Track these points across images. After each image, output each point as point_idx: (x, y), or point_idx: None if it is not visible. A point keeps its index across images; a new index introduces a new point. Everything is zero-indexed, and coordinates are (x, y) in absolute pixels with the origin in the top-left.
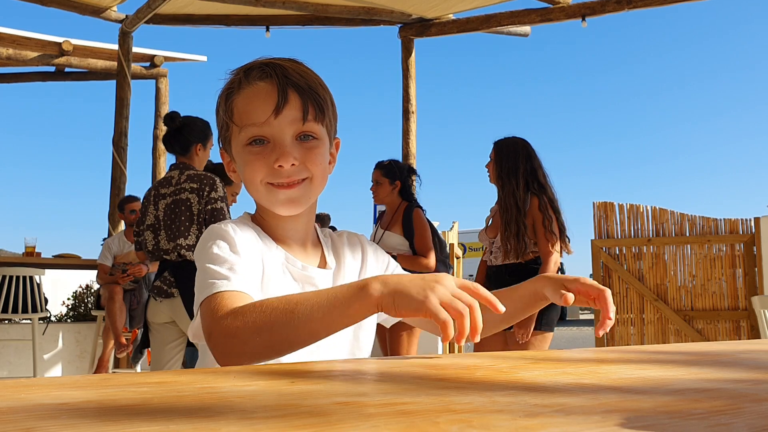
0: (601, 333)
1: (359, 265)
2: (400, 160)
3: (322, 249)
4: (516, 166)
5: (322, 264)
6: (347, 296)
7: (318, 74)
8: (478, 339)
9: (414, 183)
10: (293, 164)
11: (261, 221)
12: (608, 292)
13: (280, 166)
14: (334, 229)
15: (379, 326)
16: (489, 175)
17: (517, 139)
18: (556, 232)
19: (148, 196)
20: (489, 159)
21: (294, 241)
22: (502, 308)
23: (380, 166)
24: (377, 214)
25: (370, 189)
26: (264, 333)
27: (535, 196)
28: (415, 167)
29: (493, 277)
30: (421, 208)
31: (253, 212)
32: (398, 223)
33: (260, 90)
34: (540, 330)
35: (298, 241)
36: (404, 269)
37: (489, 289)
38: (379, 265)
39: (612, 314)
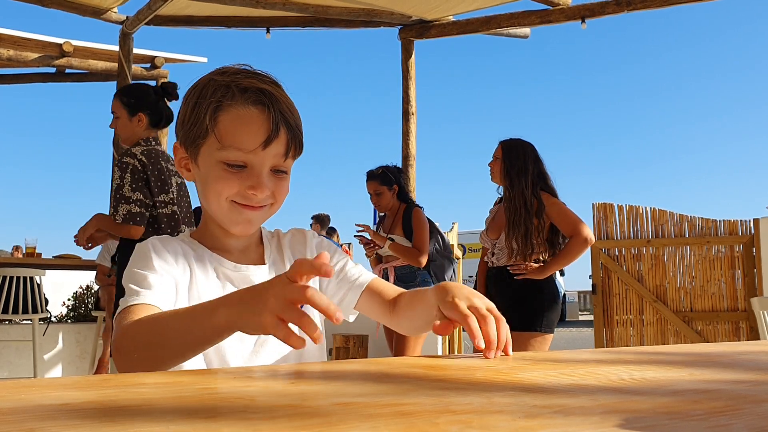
0: (490, 356)
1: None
2: (400, 161)
3: (263, 250)
4: (525, 167)
5: (260, 261)
6: (204, 319)
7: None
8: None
9: (402, 183)
10: (265, 195)
11: (204, 232)
12: (471, 318)
13: (253, 193)
14: (334, 230)
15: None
16: (492, 174)
17: (525, 141)
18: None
19: (161, 169)
20: (493, 158)
21: (235, 249)
22: (339, 318)
23: (374, 177)
24: (377, 219)
25: (371, 201)
26: (139, 350)
27: (549, 194)
28: (399, 167)
29: (494, 278)
30: (419, 207)
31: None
32: (399, 226)
33: (254, 117)
34: (540, 332)
35: (240, 247)
36: (396, 256)
37: (489, 290)
38: (331, 261)
39: (480, 343)
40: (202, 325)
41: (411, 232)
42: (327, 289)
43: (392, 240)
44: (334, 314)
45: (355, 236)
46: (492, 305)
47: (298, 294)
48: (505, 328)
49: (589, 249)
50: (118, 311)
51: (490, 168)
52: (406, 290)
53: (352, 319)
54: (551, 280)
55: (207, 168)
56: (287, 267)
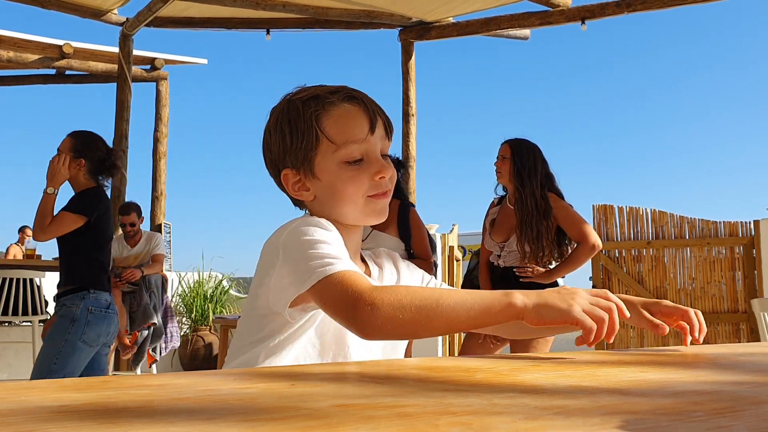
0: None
1: (396, 277)
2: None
3: (364, 259)
4: (535, 168)
5: (368, 272)
6: (492, 300)
7: None
8: (611, 340)
9: (402, 178)
10: (391, 175)
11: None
12: (692, 311)
13: (381, 177)
14: None
15: None
16: (499, 174)
17: (532, 143)
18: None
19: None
20: (499, 157)
21: (352, 253)
22: (627, 314)
23: None
24: None
25: None
26: (407, 311)
27: (557, 196)
28: (402, 161)
29: (499, 278)
30: (413, 206)
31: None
32: (393, 224)
33: (352, 111)
34: None
35: (355, 252)
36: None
37: (493, 287)
38: (414, 279)
39: (698, 334)
40: (490, 302)
41: (406, 232)
42: None
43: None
44: (624, 311)
45: None
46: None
47: (598, 293)
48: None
49: None
50: (323, 274)
51: (496, 168)
52: None
53: None
54: (555, 283)
55: (330, 175)
56: (385, 281)
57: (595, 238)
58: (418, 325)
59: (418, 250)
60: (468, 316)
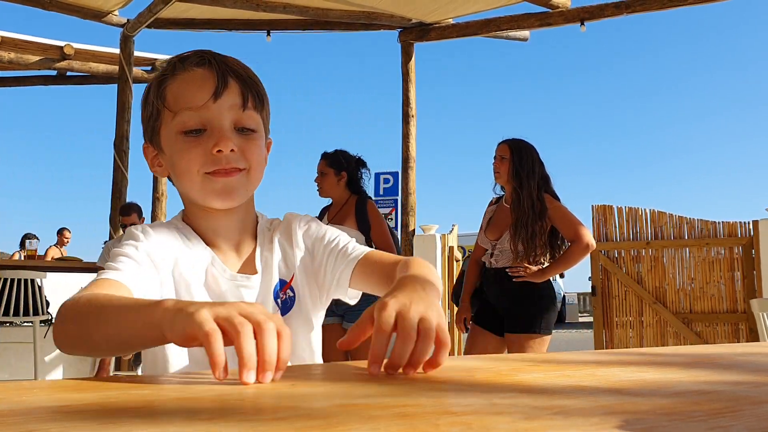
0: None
1: (291, 253)
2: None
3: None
4: (533, 169)
5: (251, 269)
6: (142, 306)
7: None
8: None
9: (363, 177)
10: (232, 150)
11: (191, 220)
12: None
13: (219, 150)
14: None
15: None
16: (497, 174)
17: (530, 143)
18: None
19: None
20: (498, 157)
21: (226, 241)
22: (277, 375)
23: (325, 156)
24: (321, 210)
25: (315, 180)
26: (77, 323)
27: (552, 197)
28: (364, 160)
29: (492, 279)
30: (371, 198)
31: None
32: (351, 217)
33: (198, 75)
34: (539, 333)
35: (231, 240)
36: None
37: (487, 291)
38: (310, 240)
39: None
40: (131, 319)
41: (364, 224)
42: (321, 263)
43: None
44: (266, 372)
45: None
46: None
47: (258, 326)
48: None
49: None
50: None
51: (495, 168)
52: (407, 258)
53: (352, 301)
54: (549, 282)
55: (170, 148)
56: (275, 271)
57: (589, 238)
58: (80, 340)
59: (378, 241)
60: (120, 328)
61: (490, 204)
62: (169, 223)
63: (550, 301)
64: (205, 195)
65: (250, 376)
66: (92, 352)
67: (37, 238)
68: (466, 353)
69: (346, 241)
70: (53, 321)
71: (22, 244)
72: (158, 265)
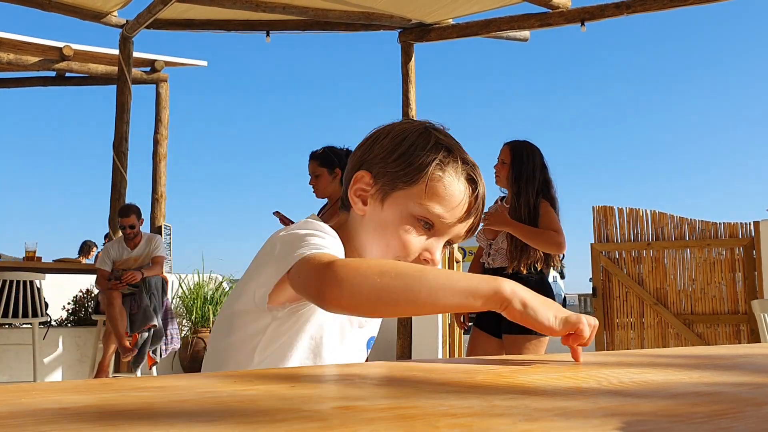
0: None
1: None
2: None
3: None
4: (533, 175)
5: None
6: (479, 282)
7: None
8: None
9: None
10: (433, 262)
11: (350, 246)
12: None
13: (426, 260)
14: None
15: None
16: (497, 177)
17: (534, 146)
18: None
19: None
20: (499, 161)
21: None
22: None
23: (315, 157)
24: (318, 210)
25: (309, 183)
26: (387, 276)
27: (548, 203)
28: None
29: None
30: None
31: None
32: (336, 216)
33: (463, 192)
34: (536, 334)
35: None
36: None
37: None
38: None
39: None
40: (470, 283)
41: None
42: None
43: None
44: (579, 356)
45: (274, 214)
46: None
47: (585, 327)
48: None
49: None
50: (301, 253)
51: (495, 171)
52: None
53: None
54: (546, 283)
55: (394, 213)
56: None
57: (562, 240)
58: (396, 293)
59: None
60: (453, 291)
61: (495, 202)
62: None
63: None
64: (384, 257)
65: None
66: (398, 306)
67: (96, 246)
68: (467, 356)
69: None
70: (330, 276)
71: (83, 251)
72: None
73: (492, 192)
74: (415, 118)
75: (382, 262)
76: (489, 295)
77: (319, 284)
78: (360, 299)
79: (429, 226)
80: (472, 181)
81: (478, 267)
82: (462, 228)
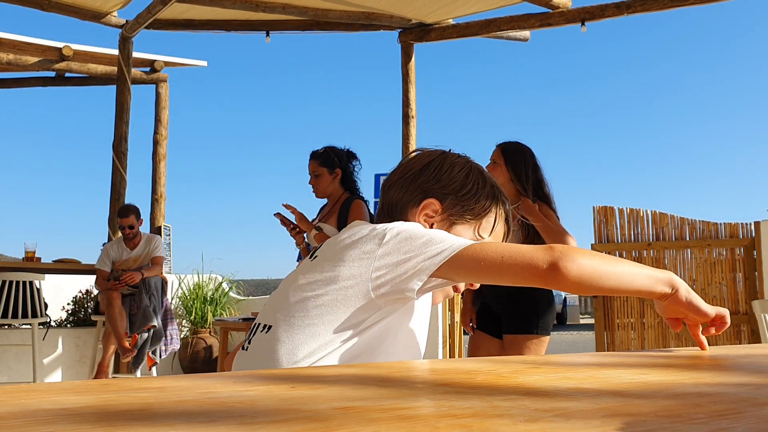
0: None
1: None
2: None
3: None
4: (526, 176)
5: None
6: (657, 275)
7: None
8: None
9: (355, 169)
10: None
11: None
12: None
13: (458, 291)
14: None
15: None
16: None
17: (525, 146)
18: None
19: None
20: (491, 161)
21: None
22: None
23: (315, 156)
24: (319, 210)
25: (309, 183)
26: (604, 262)
27: (544, 203)
28: (353, 152)
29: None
30: (363, 199)
31: None
32: (334, 215)
33: (505, 229)
34: (537, 334)
35: None
36: None
37: (482, 293)
38: None
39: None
40: (656, 278)
41: (344, 224)
42: None
43: (320, 229)
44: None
45: (275, 215)
46: None
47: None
48: None
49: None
50: (473, 249)
51: (488, 170)
52: None
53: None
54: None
55: (469, 235)
56: None
57: (572, 242)
58: (608, 276)
59: None
60: (639, 282)
61: None
62: None
63: (547, 302)
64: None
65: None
66: (604, 287)
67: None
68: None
69: None
70: (569, 256)
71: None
72: None
73: None
74: (456, 153)
75: (595, 252)
76: (666, 280)
77: (551, 261)
78: (584, 277)
79: None
80: (508, 222)
81: None
82: None
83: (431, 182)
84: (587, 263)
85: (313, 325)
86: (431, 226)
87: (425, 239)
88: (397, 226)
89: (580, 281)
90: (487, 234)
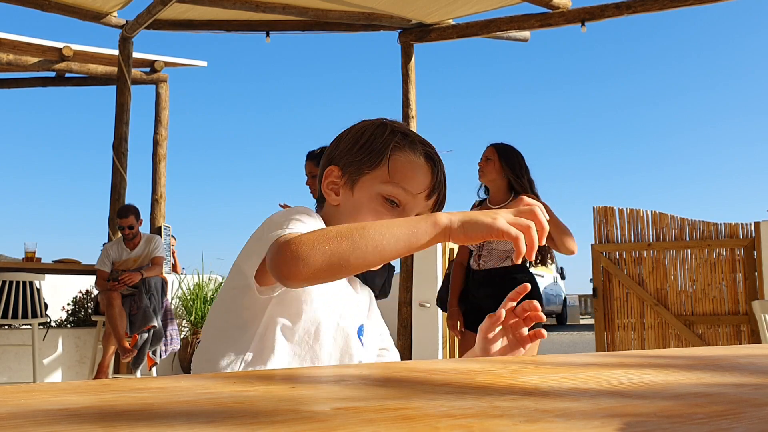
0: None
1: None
2: None
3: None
4: (521, 173)
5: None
6: (417, 222)
7: None
8: (542, 242)
9: None
10: None
11: None
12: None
13: None
14: None
15: None
16: (482, 173)
17: (516, 148)
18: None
19: None
20: (483, 158)
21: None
22: (545, 225)
23: (312, 157)
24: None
25: (306, 184)
26: (334, 241)
27: (538, 200)
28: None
29: (481, 281)
30: None
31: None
32: None
33: (424, 167)
34: None
35: (353, 278)
36: None
37: (476, 294)
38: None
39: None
40: (410, 226)
41: None
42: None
43: None
44: (544, 223)
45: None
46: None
47: (529, 213)
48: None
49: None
50: (278, 237)
51: (480, 167)
52: None
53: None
54: (536, 283)
55: (365, 198)
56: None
57: (575, 247)
58: (346, 252)
59: None
60: (396, 238)
61: (474, 207)
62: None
63: (540, 302)
64: None
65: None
66: (348, 266)
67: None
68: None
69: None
70: (286, 254)
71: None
72: None
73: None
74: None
75: (328, 229)
76: (428, 229)
77: (279, 263)
78: (315, 269)
79: (396, 204)
80: (431, 158)
81: (461, 270)
82: (428, 204)
83: (333, 150)
84: (315, 252)
85: (215, 326)
86: (337, 195)
87: (274, 224)
88: (272, 215)
89: (315, 275)
90: (401, 179)
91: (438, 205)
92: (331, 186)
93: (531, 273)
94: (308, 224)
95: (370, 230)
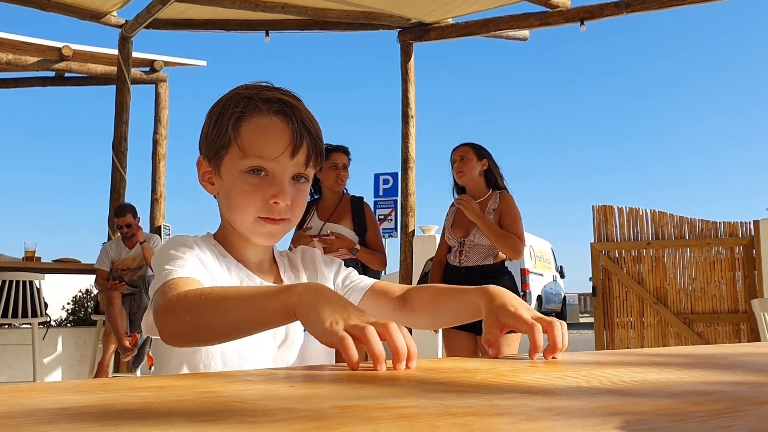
0: (534, 357)
1: (316, 278)
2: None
3: (278, 268)
4: (498, 171)
5: (278, 281)
6: (271, 293)
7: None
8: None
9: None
10: (287, 204)
11: (225, 240)
12: (537, 328)
13: (275, 202)
14: None
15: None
16: (461, 174)
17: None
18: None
19: None
20: (458, 159)
21: (253, 261)
22: (411, 366)
23: (345, 150)
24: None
25: (331, 176)
26: (192, 314)
27: (509, 194)
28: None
29: (464, 278)
30: (363, 200)
31: (215, 230)
32: (347, 216)
33: (276, 127)
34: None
35: (257, 260)
36: (363, 264)
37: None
38: (331, 273)
39: (559, 342)
40: (261, 305)
41: (362, 226)
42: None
43: (357, 250)
44: (403, 361)
45: (319, 238)
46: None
47: (383, 328)
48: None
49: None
50: (158, 286)
51: (457, 168)
52: (415, 286)
53: None
54: (516, 284)
55: (230, 180)
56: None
57: (522, 249)
58: (203, 328)
59: (373, 242)
60: (245, 314)
61: (452, 206)
62: (204, 238)
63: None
64: (251, 233)
65: (382, 367)
66: (209, 340)
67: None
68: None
69: (355, 274)
70: (158, 325)
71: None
72: (207, 269)
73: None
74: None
75: (192, 297)
76: (277, 293)
77: (157, 319)
78: (180, 340)
79: (261, 172)
80: (282, 113)
81: (439, 268)
82: (299, 157)
83: (199, 139)
84: (177, 325)
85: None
86: (212, 184)
87: (161, 260)
88: (159, 247)
89: (182, 343)
90: (254, 147)
91: (315, 157)
92: (206, 176)
93: (511, 273)
94: (186, 257)
95: (225, 305)
